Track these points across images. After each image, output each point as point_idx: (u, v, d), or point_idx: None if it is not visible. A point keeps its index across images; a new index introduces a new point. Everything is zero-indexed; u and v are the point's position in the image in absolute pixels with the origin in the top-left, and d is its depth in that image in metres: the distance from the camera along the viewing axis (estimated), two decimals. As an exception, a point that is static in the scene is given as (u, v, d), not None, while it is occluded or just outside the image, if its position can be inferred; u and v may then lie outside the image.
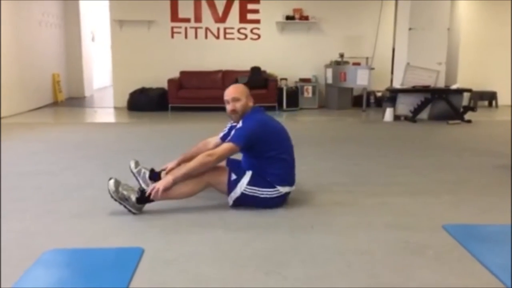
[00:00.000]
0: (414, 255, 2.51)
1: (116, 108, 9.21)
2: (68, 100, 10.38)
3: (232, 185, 3.11)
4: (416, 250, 2.56)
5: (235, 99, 3.21)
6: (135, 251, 2.50)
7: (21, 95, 8.31)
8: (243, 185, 3.10)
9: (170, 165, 3.48)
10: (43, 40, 9.36)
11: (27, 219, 3.04)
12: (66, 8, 10.53)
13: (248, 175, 3.14)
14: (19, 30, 8.27)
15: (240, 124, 3.20)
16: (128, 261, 2.39)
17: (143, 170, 3.59)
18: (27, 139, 5.94)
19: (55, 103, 9.71)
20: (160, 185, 3.03)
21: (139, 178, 3.56)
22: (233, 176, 3.12)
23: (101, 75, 12.93)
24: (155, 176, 3.52)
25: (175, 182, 3.04)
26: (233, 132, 3.23)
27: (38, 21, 9.13)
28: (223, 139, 3.39)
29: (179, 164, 3.40)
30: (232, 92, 3.25)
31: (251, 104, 3.27)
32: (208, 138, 3.64)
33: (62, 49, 10.46)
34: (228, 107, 3.25)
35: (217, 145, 3.31)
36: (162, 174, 3.48)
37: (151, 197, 3.03)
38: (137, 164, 3.64)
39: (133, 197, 3.04)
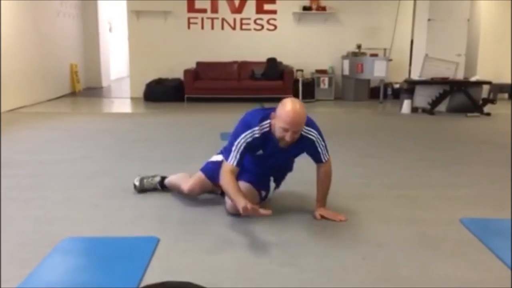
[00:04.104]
0: (430, 248, 2.49)
1: (132, 98, 9.27)
2: (85, 90, 10.47)
3: (261, 200, 3.01)
4: (432, 244, 2.54)
5: (297, 132, 2.70)
6: (150, 240, 2.52)
7: (40, 85, 8.41)
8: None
9: None
10: (61, 31, 9.44)
11: (46, 206, 3.09)
12: (83, -2, 10.61)
13: (273, 186, 3.11)
14: (39, 20, 8.34)
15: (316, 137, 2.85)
16: (144, 250, 2.41)
17: (148, 181, 3.35)
18: (46, 128, 6.01)
19: (73, 93, 9.81)
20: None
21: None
22: (263, 193, 3.04)
23: (118, 66, 13.01)
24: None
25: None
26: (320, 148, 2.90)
27: (57, 11, 9.20)
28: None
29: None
30: (298, 123, 2.67)
31: None
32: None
33: (80, 40, 10.54)
34: (286, 135, 2.66)
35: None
36: (166, 182, 3.31)
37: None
38: (141, 182, 3.35)
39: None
